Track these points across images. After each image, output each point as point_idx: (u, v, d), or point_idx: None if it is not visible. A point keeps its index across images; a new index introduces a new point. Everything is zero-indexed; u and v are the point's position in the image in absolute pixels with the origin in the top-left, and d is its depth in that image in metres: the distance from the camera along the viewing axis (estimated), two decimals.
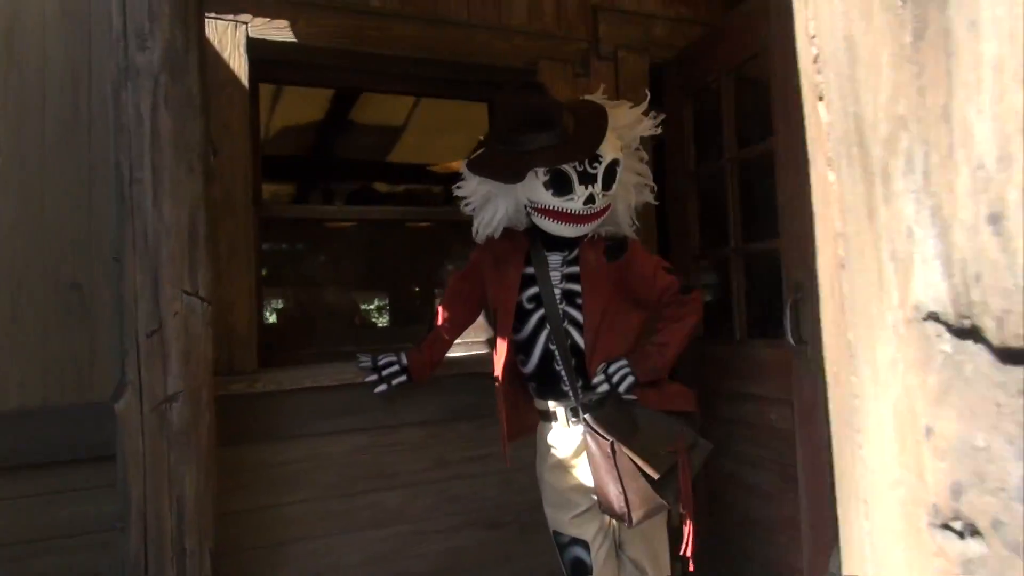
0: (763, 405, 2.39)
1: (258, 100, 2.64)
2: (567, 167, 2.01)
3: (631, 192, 2.25)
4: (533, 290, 2.15)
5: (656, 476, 1.90)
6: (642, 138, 2.25)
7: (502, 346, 2.16)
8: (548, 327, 2.12)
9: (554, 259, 2.18)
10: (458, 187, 2.23)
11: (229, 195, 2.34)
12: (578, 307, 2.11)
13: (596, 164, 2.04)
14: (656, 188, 2.33)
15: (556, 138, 2.00)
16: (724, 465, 2.54)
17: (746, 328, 2.58)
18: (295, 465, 2.34)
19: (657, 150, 2.75)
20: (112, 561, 1.95)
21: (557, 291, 2.13)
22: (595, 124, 2.05)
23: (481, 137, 4.31)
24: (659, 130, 2.23)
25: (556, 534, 2.17)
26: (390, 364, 2.31)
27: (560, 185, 2.02)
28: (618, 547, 2.16)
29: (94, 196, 2.19)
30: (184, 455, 1.82)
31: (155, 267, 1.79)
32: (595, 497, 2.08)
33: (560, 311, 2.12)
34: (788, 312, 2.19)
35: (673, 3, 3.04)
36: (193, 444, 1.83)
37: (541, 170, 2.01)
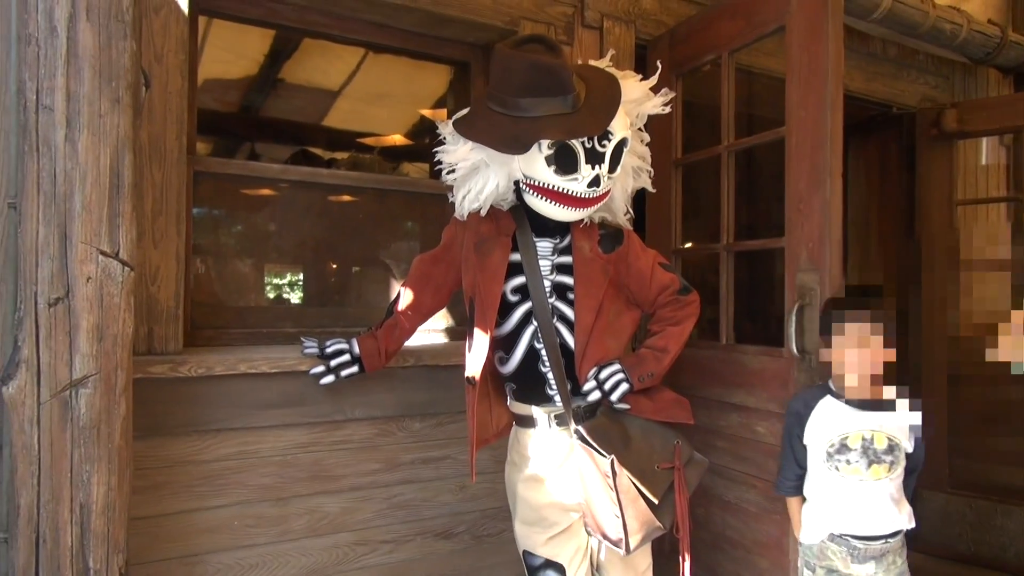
0: (750, 416, 2.20)
1: (197, 33, 2.25)
2: (575, 142, 1.74)
3: (629, 176, 2.00)
4: (519, 280, 1.89)
5: (657, 501, 1.68)
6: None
7: (480, 342, 1.87)
8: (535, 323, 1.86)
9: (544, 246, 1.91)
10: (441, 151, 1.92)
11: (159, 140, 1.95)
12: (570, 303, 1.86)
13: (605, 142, 1.78)
14: (653, 174, 2.09)
15: (568, 106, 1.72)
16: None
17: (733, 332, 2.39)
18: (222, 463, 2.00)
19: None
20: None
21: (547, 283, 1.87)
22: (609, 95, 1.78)
23: (424, 112, 4.03)
24: (667, 109, 1.99)
25: (527, 555, 1.91)
26: (340, 352, 2.00)
27: (565, 162, 1.75)
28: (595, 569, 1.93)
29: None
30: (92, 452, 1.50)
31: (64, 218, 1.48)
32: (576, 516, 1.85)
33: (550, 306, 1.86)
34: (792, 319, 2.00)
35: None
36: (104, 439, 1.51)
37: (545, 142, 1.74)
